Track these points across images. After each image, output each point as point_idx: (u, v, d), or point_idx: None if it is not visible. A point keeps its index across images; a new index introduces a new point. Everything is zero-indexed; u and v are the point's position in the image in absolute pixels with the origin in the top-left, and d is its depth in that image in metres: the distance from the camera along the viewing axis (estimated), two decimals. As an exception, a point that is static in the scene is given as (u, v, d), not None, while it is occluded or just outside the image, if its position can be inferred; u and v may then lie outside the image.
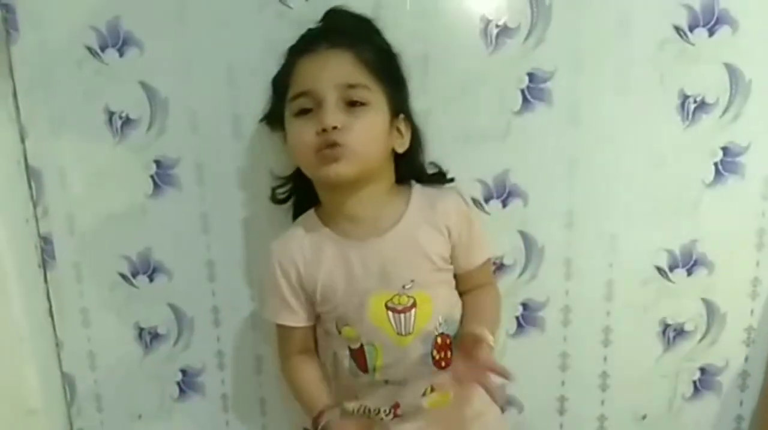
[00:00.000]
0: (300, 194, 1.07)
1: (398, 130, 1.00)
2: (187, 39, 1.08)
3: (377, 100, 0.95)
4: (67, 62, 1.10)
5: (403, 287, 0.97)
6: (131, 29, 1.08)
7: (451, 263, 1.03)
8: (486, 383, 0.90)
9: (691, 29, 1.05)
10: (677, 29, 1.05)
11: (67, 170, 1.14)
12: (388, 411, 1.01)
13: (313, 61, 0.95)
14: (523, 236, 1.14)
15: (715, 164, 1.11)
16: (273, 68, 1.07)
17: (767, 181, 1.11)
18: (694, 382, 1.21)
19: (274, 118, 1.04)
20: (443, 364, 0.99)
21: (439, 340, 0.99)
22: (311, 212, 1.04)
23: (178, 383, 1.24)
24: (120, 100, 1.11)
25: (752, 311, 1.17)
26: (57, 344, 1.22)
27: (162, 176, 1.14)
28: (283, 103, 0.98)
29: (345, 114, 0.92)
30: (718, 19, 1.05)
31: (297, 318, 1.04)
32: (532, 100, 1.09)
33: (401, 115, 1.01)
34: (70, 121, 1.12)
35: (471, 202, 1.06)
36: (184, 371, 1.23)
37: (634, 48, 1.06)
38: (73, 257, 1.18)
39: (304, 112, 0.94)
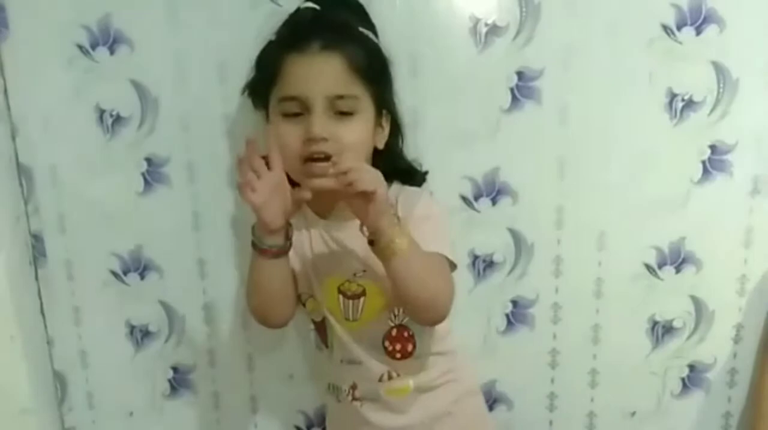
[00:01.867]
0: None
1: (380, 125, 1.00)
2: (177, 37, 1.09)
3: (364, 106, 0.95)
4: (57, 60, 1.09)
5: (354, 274, 0.99)
6: (122, 27, 1.08)
7: None
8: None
9: (678, 28, 1.06)
10: (665, 28, 1.06)
11: (57, 168, 1.14)
12: (347, 391, 1.03)
13: (304, 64, 0.93)
14: (513, 233, 1.15)
15: (703, 162, 1.12)
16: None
17: (754, 179, 1.13)
18: (683, 379, 1.22)
19: (256, 96, 1.03)
20: (397, 355, 1.00)
21: (394, 331, 1.00)
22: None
23: (170, 381, 1.24)
24: (111, 98, 1.11)
25: (740, 308, 1.18)
26: (48, 342, 1.22)
27: (153, 174, 1.14)
28: (268, 88, 0.97)
29: (333, 122, 0.92)
30: (705, 18, 1.06)
31: None
32: (521, 98, 1.09)
33: (384, 111, 1.00)
34: (60, 119, 1.12)
35: (425, 202, 1.00)
36: (175, 369, 1.24)
37: (623, 46, 1.07)
38: (64, 255, 1.18)
39: (291, 115, 0.94)
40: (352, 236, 0.96)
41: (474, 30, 1.07)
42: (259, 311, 1.02)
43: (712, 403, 1.23)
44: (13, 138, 1.13)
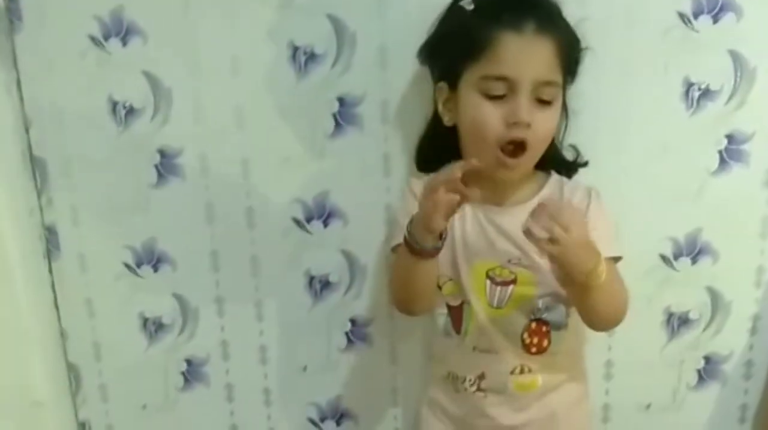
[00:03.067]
0: (436, 149, 1.04)
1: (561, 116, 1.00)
2: (190, 28, 1.08)
3: (559, 95, 0.94)
4: (70, 52, 1.09)
5: (509, 260, 0.96)
6: (134, 19, 1.08)
7: None
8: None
9: (695, 16, 1.05)
10: (681, 16, 1.05)
11: (71, 160, 1.14)
12: (472, 381, 1.00)
13: (519, 43, 0.89)
14: (527, 224, 1.14)
15: (720, 152, 1.11)
16: (277, 57, 1.08)
17: (772, 169, 1.11)
18: (699, 371, 1.21)
19: (437, 63, 1.00)
20: (533, 349, 0.98)
21: (533, 325, 0.98)
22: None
23: (183, 373, 1.24)
24: (123, 89, 1.11)
25: (757, 300, 1.17)
26: (62, 335, 1.23)
27: (166, 166, 1.14)
28: (466, 62, 0.92)
29: (533, 109, 0.90)
30: (722, 6, 1.04)
31: None
32: (536, 88, 1.08)
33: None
34: (73, 111, 1.12)
35: (595, 201, 1.00)
36: (188, 361, 1.24)
37: (639, 35, 1.06)
38: (78, 248, 1.18)
39: (493, 95, 0.91)
40: (512, 221, 0.94)
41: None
42: (405, 305, 1.01)
43: (729, 395, 1.22)
44: (27, 130, 1.13)
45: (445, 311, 1.01)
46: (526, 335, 0.98)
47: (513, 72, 0.89)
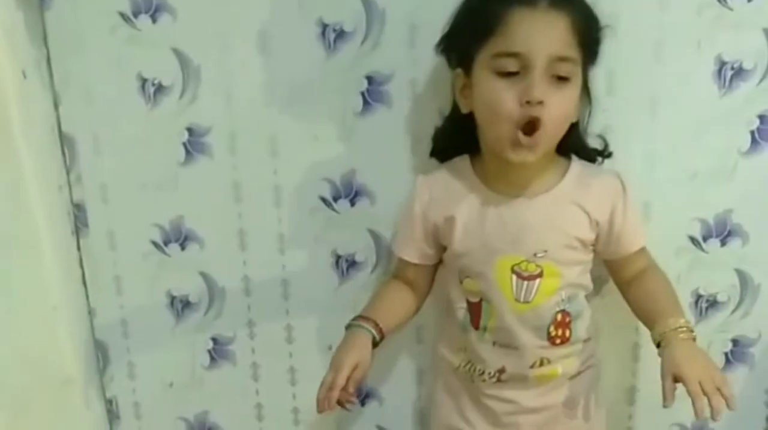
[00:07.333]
0: (452, 138, 1.04)
1: (582, 97, 0.97)
2: (220, 5, 1.08)
3: (578, 73, 0.91)
4: (100, 29, 1.09)
5: (535, 254, 0.96)
6: (164, -5, 1.08)
7: (595, 250, 1.02)
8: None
9: (729, -7, 1.04)
10: (715, -6, 1.04)
11: (100, 137, 1.15)
12: (492, 373, 1.01)
13: (531, 19, 0.87)
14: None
15: (752, 132, 1.09)
16: (306, 35, 1.08)
17: (805, 150, 1.10)
18: (726, 353, 1.20)
19: (455, 51, 0.98)
20: (558, 341, 0.99)
21: (559, 316, 0.98)
22: (465, 157, 1.02)
23: (209, 352, 1.25)
24: (153, 67, 1.11)
25: (787, 283, 1.16)
26: (89, 312, 1.23)
27: (194, 144, 1.14)
28: (479, 42, 0.91)
29: (549, 86, 0.88)
30: (757, -17, 1.03)
31: (414, 254, 1.05)
32: (567, 67, 1.08)
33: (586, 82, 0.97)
34: (103, 88, 1.12)
35: (628, 187, 1.01)
36: (215, 340, 1.24)
37: (671, 13, 1.05)
38: (106, 225, 1.19)
39: (505, 73, 0.89)
40: (536, 213, 0.95)
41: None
42: None
43: (756, 378, 1.21)
44: (56, 107, 1.13)
45: (464, 305, 1.01)
46: (552, 328, 0.98)
47: (525, 47, 0.87)
